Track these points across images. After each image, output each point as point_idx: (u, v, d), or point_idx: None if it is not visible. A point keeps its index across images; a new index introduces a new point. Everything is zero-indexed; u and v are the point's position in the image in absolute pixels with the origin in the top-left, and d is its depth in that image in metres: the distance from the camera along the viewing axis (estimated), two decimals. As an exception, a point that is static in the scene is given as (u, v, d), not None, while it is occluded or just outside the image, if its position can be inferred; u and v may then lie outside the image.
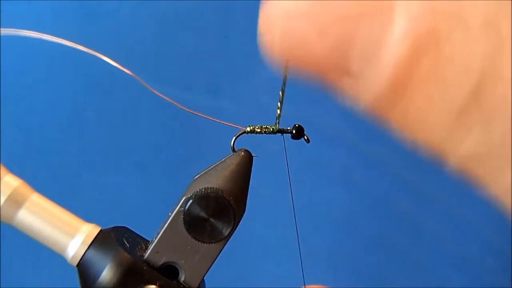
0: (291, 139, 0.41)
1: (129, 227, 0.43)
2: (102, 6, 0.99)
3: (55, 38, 0.41)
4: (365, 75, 0.23)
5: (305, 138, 0.41)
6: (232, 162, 0.39)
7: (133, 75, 0.41)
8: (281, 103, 0.38)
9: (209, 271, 0.39)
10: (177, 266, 0.39)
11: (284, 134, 0.41)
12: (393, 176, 1.01)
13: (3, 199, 0.38)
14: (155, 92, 0.42)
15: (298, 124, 0.41)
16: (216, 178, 0.38)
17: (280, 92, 0.36)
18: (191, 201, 0.37)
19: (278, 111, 0.39)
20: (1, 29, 0.39)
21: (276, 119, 0.40)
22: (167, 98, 0.42)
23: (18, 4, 0.96)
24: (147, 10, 0.99)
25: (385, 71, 0.22)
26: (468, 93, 0.22)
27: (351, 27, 0.22)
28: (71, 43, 0.41)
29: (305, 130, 0.41)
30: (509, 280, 0.98)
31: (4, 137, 0.94)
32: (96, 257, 0.38)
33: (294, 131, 0.41)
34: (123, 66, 0.42)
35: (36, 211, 0.39)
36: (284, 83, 0.35)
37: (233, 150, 0.40)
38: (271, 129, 0.41)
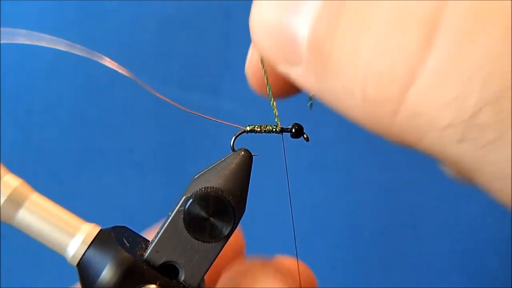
0: (291, 138, 0.41)
1: (129, 227, 0.43)
2: (102, 6, 0.99)
3: (54, 42, 0.41)
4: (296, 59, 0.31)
5: (305, 136, 0.41)
6: (232, 161, 0.39)
7: (134, 77, 0.41)
8: (275, 106, 0.40)
9: (208, 270, 0.39)
10: (177, 266, 0.39)
11: (284, 133, 0.41)
12: (393, 175, 1.01)
13: (3, 199, 0.38)
14: (156, 93, 0.42)
15: (297, 123, 0.41)
16: (216, 178, 0.38)
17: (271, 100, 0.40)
18: (191, 200, 0.37)
19: (275, 112, 0.40)
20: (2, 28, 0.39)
21: (276, 121, 0.41)
22: (168, 100, 0.42)
23: (18, 4, 0.96)
24: (147, 10, 0.99)
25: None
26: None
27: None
28: (72, 45, 0.41)
29: (304, 128, 0.41)
30: (509, 280, 0.98)
31: (4, 137, 0.94)
32: (96, 256, 0.38)
33: (293, 130, 0.41)
34: (123, 66, 0.42)
35: (36, 211, 0.39)
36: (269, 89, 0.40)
37: (233, 150, 0.40)
38: (271, 128, 0.41)
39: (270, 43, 0.32)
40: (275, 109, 0.41)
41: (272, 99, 0.40)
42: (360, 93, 0.29)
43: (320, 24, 0.29)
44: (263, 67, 0.40)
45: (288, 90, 0.40)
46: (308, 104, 0.39)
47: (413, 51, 0.27)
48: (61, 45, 0.41)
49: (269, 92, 0.40)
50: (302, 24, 0.30)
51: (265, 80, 0.40)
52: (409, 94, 0.27)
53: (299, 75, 0.31)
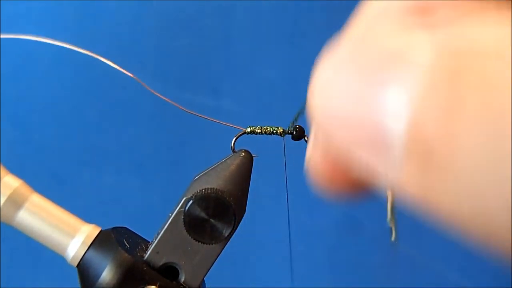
0: (292, 140, 0.41)
1: (129, 228, 0.43)
2: (102, 6, 0.99)
3: (57, 41, 0.41)
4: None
5: (306, 139, 0.41)
6: (232, 162, 0.39)
7: (134, 77, 0.41)
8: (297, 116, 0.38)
9: (209, 271, 0.39)
10: (177, 267, 0.39)
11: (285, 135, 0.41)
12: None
13: (3, 200, 0.38)
14: (158, 94, 0.42)
15: (299, 125, 0.40)
16: (216, 179, 0.38)
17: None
18: (191, 201, 0.37)
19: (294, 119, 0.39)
20: (2, 33, 0.39)
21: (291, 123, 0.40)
22: (170, 101, 0.42)
23: (18, 4, 0.96)
24: (147, 10, 0.99)
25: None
26: None
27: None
28: (73, 46, 0.41)
29: (305, 131, 0.40)
30: (509, 280, 0.98)
31: (4, 137, 0.94)
32: (96, 257, 0.38)
33: (294, 132, 0.40)
34: (123, 66, 0.42)
35: (36, 212, 0.39)
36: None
37: (233, 151, 0.40)
38: (272, 130, 0.41)
39: (344, 126, 0.23)
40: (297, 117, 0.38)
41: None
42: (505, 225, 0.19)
43: (429, 109, 0.19)
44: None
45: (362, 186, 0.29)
46: (391, 235, 0.31)
47: None
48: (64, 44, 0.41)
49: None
50: (397, 104, 0.20)
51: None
52: None
53: (388, 169, 0.22)
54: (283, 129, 0.40)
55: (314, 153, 0.28)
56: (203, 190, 0.37)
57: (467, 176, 0.19)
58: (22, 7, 0.97)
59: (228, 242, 0.39)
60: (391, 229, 0.29)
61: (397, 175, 0.21)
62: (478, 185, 0.19)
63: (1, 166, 0.39)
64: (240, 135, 0.41)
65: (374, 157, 0.22)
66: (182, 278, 0.38)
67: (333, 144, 0.24)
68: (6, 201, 0.38)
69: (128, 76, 0.42)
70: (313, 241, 1.01)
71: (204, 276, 0.39)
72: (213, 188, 0.37)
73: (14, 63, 0.97)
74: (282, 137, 0.41)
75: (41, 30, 0.97)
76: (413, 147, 0.20)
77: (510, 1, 0.20)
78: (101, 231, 0.40)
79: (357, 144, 0.22)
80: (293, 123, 0.40)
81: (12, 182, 0.39)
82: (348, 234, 1.02)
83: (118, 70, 0.42)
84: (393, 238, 0.29)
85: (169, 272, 0.39)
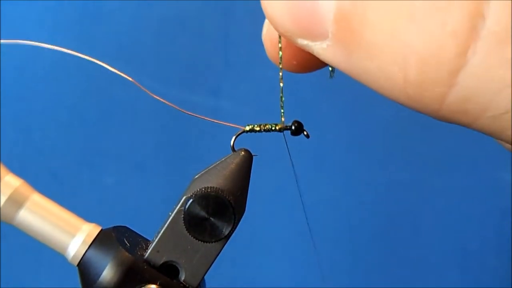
0: (291, 136, 0.41)
1: (129, 227, 0.44)
2: (103, 6, 0.99)
3: (55, 46, 0.41)
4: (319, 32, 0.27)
5: (305, 133, 0.40)
6: (232, 161, 0.39)
7: (132, 80, 0.41)
8: (282, 101, 0.39)
9: (209, 270, 0.39)
10: (177, 265, 0.39)
11: (284, 131, 0.41)
12: (394, 174, 1.01)
13: (3, 199, 0.38)
14: (155, 96, 0.42)
15: (297, 120, 0.40)
16: (216, 178, 0.38)
17: (280, 84, 0.38)
18: (191, 200, 0.37)
19: (282, 111, 0.40)
20: (2, 40, 0.40)
21: (281, 114, 0.40)
22: (167, 102, 0.42)
23: (19, 4, 0.96)
24: (147, 11, 0.99)
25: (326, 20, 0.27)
26: None
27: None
28: (71, 51, 0.41)
29: (304, 125, 0.40)
30: (509, 280, 0.98)
31: (4, 137, 0.94)
32: (97, 256, 0.38)
33: (293, 127, 0.40)
34: (123, 66, 0.42)
35: (36, 211, 0.39)
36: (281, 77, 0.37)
37: (233, 150, 0.40)
38: (270, 127, 0.40)
39: (286, 14, 0.27)
40: (282, 103, 0.39)
41: (281, 93, 0.38)
42: (401, 77, 0.25)
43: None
44: (279, 44, 0.35)
45: (312, 64, 0.35)
46: (330, 73, 0.35)
47: (463, 27, 0.23)
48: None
49: (281, 84, 0.38)
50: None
51: (280, 66, 0.36)
52: (459, 77, 0.24)
53: (324, 50, 0.27)
54: (281, 125, 0.40)
55: (268, 33, 0.36)
56: (203, 189, 0.37)
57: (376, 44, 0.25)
58: (22, 7, 0.97)
59: (228, 241, 0.39)
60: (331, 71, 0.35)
61: (329, 55, 0.27)
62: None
63: (2, 165, 0.39)
64: (240, 133, 0.41)
65: (310, 41, 0.27)
66: (182, 277, 0.39)
67: (281, 32, 0.29)
68: (6, 200, 0.38)
69: (128, 76, 0.42)
70: (313, 240, 1.01)
71: (204, 275, 0.39)
72: (213, 187, 0.37)
73: (14, 63, 0.97)
74: (282, 133, 0.40)
75: (42, 30, 0.97)
76: (339, 30, 0.26)
77: None
78: (101, 230, 0.40)
79: (299, 33, 0.27)
80: (283, 115, 0.40)
81: (12, 181, 0.39)
82: (348, 233, 1.02)
83: (118, 70, 0.42)
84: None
85: (170, 270, 0.39)
